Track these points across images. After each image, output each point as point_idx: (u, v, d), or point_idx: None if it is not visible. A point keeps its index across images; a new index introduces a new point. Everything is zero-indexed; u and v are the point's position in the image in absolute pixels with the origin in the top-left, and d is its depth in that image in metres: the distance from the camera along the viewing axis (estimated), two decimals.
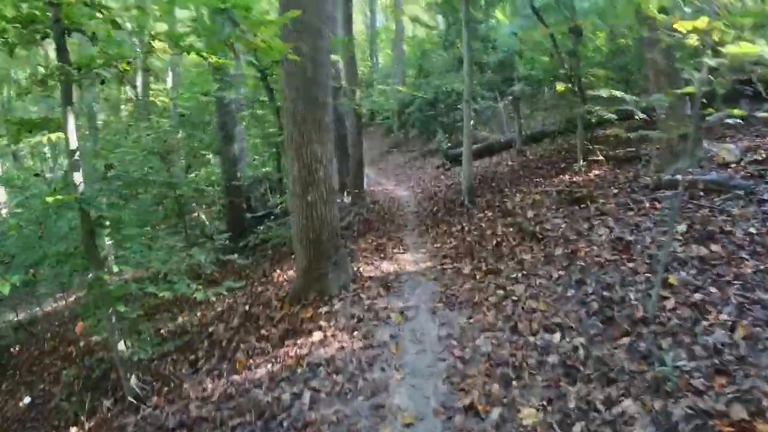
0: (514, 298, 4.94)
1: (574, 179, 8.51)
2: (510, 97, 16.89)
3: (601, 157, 9.03)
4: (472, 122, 16.82)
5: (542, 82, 12.86)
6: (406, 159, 20.82)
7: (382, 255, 7.17)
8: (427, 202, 11.45)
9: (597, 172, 8.67)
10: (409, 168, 19.23)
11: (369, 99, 31.79)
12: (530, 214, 7.02)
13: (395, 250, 7.39)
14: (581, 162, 9.00)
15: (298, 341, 5.01)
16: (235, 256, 6.48)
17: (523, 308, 4.70)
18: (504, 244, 6.45)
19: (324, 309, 5.52)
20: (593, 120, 8.71)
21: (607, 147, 9.76)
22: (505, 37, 10.26)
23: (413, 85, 23.63)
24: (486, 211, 8.19)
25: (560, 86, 9.03)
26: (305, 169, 5.60)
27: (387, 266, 6.63)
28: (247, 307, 6.68)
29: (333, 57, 13.05)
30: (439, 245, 7.35)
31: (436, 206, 10.09)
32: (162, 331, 6.30)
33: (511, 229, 6.85)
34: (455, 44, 10.47)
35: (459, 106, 17.82)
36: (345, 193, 13.71)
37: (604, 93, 8.40)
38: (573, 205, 6.77)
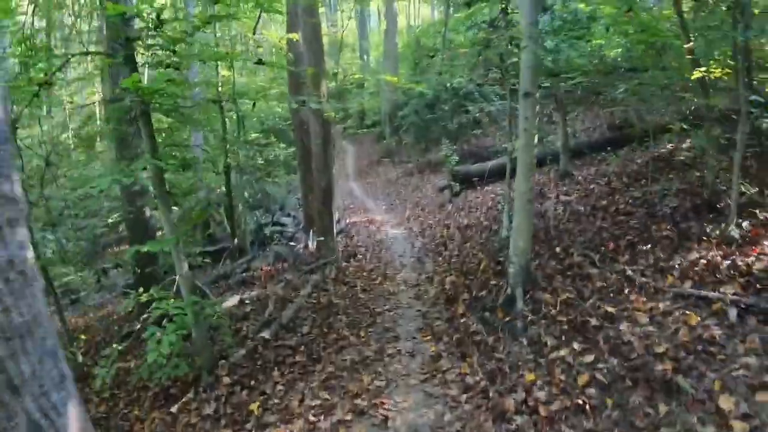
0: None
1: (742, 262, 3.94)
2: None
3: None
4: (479, 131, 12.68)
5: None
6: (400, 173, 16.23)
7: None
8: (433, 261, 6.90)
9: None
10: (403, 185, 14.65)
11: (357, 100, 27.25)
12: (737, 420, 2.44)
13: None
14: (735, 220, 4.44)
15: None
16: None
17: None
18: None
19: None
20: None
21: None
22: None
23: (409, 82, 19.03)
24: (574, 344, 3.55)
25: (699, 72, 4.55)
26: None
27: None
28: None
29: (292, 35, 8.44)
30: None
31: (454, 287, 5.49)
32: None
33: None
34: None
35: (469, 107, 13.26)
36: (311, 233, 9.14)
37: None
38: None
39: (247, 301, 7.40)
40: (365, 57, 31.03)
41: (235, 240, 11.87)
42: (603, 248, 4.97)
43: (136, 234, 8.07)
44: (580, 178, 8.27)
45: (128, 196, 8.01)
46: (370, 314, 5.29)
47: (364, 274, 6.74)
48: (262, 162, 16.27)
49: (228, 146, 11.31)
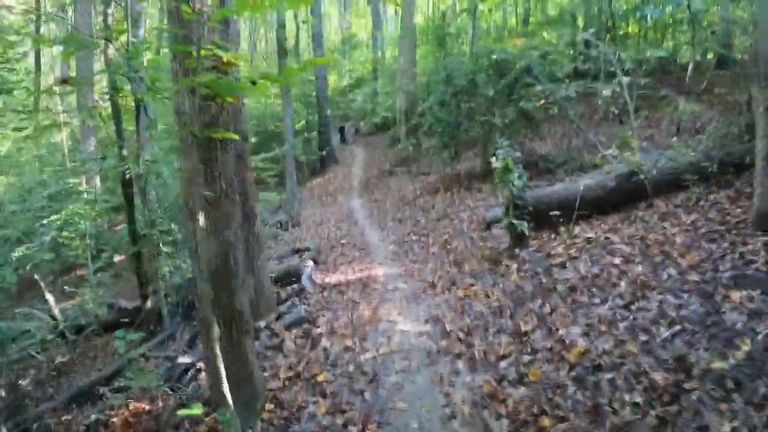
0: None
1: None
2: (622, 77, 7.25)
3: None
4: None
5: None
6: (417, 190, 11.21)
7: None
8: None
9: None
10: (423, 210, 9.62)
11: (371, 97, 22.43)
12: None
13: None
14: None
15: None
16: None
17: None
18: None
19: None
20: None
21: None
22: None
23: (432, 67, 14.10)
24: None
25: None
26: None
27: None
28: None
29: None
30: None
31: None
32: None
33: None
34: None
35: (533, 87, 8.22)
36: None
37: None
38: None
39: None
40: (380, 43, 26.21)
41: (148, 303, 7.10)
42: None
43: None
44: None
45: None
46: None
47: None
48: None
49: (123, 148, 6.53)
